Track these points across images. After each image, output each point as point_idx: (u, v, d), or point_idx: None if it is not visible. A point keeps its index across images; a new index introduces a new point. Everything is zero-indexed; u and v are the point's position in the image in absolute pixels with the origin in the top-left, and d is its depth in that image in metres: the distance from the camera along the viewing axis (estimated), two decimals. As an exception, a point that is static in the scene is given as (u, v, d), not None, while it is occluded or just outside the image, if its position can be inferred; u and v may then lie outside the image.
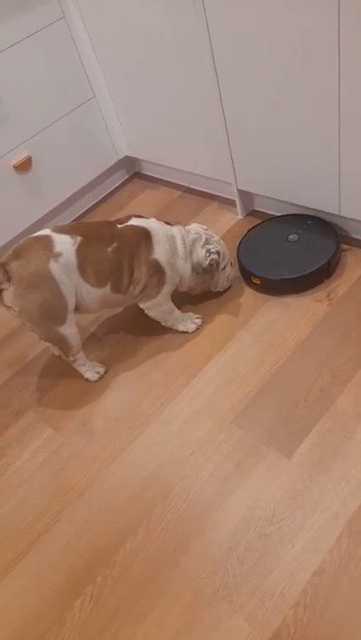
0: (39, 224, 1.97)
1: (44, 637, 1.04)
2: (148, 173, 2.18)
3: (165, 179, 2.10)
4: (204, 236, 1.45)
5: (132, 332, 1.59)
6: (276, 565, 1.03)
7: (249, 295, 1.57)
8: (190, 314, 1.54)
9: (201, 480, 1.19)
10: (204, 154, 1.77)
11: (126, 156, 2.10)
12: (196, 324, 1.52)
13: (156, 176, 2.14)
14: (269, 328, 1.46)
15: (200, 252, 1.43)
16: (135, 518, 1.17)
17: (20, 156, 1.76)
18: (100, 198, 2.15)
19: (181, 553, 1.09)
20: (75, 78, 1.82)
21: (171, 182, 2.08)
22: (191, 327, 1.52)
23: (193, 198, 1.99)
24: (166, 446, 1.28)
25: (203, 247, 1.43)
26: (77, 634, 1.03)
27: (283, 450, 1.19)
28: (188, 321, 1.52)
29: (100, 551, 1.14)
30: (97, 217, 2.06)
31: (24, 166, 1.78)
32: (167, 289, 1.42)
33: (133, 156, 2.08)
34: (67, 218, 2.06)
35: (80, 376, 1.48)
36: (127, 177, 2.21)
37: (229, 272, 1.54)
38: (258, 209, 1.83)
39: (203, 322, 1.53)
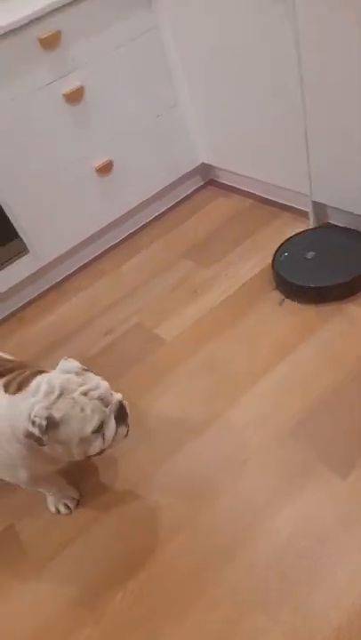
0: (113, 225, 2.04)
1: (84, 625, 1.07)
2: (222, 181, 2.20)
3: (239, 187, 2.11)
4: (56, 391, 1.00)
5: (194, 335, 1.60)
6: (320, 586, 0.99)
7: (312, 308, 1.54)
8: (66, 492, 1.28)
9: (251, 489, 1.18)
10: (281, 164, 1.76)
11: (203, 163, 2.13)
12: (64, 506, 1.27)
13: (230, 184, 2.16)
14: (332, 343, 1.42)
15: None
16: (181, 520, 1.18)
17: (102, 160, 1.84)
18: (173, 203, 2.19)
19: (225, 560, 1.09)
20: (161, 85, 1.88)
21: (244, 191, 2.09)
22: (59, 509, 1.27)
23: (265, 208, 1.98)
24: (218, 452, 1.28)
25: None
26: (116, 626, 1.05)
27: (338, 469, 1.15)
28: (60, 498, 1.27)
29: (144, 548, 1.15)
30: (168, 222, 2.11)
31: (105, 169, 1.86)
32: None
33: (210, 163, 2.11)
34: (139, 221, 2.12)
35: (139, 377, 1.52)
36: (202, 184, 2.24)
37: (113, 433, 1.05)
38: (331, 222, 1.79)
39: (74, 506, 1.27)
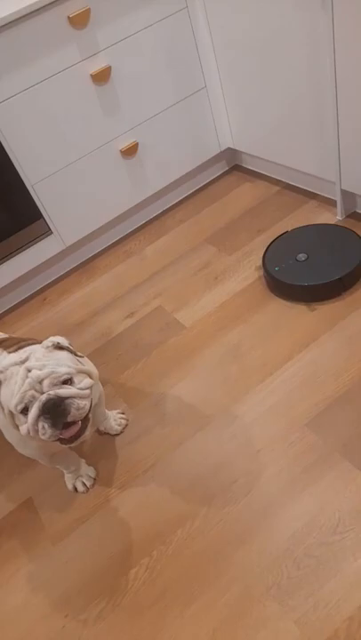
0: (137, 208, 2.04)
1: (98, 597, 1.10)
2: (248, 167, 2.17)
3: (265, 173, 2.08)
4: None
5: (214, 321, 1.60)
6: (333, 576, 1.00)
7: (337, 300, 1.51)
8: (84, 470, 1.31)
9: (266, 478, 1.18)
10: (311, 150, 1.72)
11: (228, 148, 2.10)
12: (82, 484, 1.29)
13: (256, 170, 2.13)
14: (356, 336, 1.40)
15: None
16: (195, 504, 1.19)
17: (127, 142, 1.83)
18: (197, 188, 2.17)
19: (237, 546, 1.10)
20: (189, 68, 1.85)
21: (270, 177, 2.06)
22: (76, 487, 1.30)
23: (291, 195, 1.95)
24: (234, 439, 1.28)
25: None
26: (129, 601, 1.08)
27: (357, 462, 1.15)
28: (76, 480, 1.30)
29: (158, 528, 1.17)
30: (192, 207, 2.09)
31: (130, 151, 1.85)
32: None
33: (236, 148, 2.08)
34: (163, 204, 2.11)
35: (158, 361, 1.53)
36: (227, 169, 2.22)
37: (32, 421, 0.95)
38: (359, 211, 1.75)
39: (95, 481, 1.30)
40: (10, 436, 1.10)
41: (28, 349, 1.00)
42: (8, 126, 1.59)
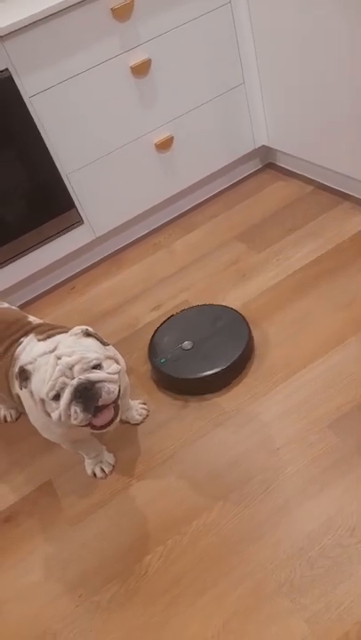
0: (168, 202, 2.05)
1: (112, 581, 1.12)
2: (281, 165, 2.15)
3: (299, 172, 2.06)
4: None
5: (240, 318, 1.60)
6: (347, 578, 0.99)
7: (367, 302, 1.50)
8: (104, 457, 1.32)
9: (284, 476, 1.18)
10: (347, 150, 1.70)
11: (263, 146, 2.09)
12: (101, 470, 1.31)
13: (289, 168, 2.11)
14: (384, 340, 1.39)
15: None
16: (211, 497, 1.20)
17: (162, 135, 1.84)
18: (229, 184, 2.17)
19: (251, 541, 1.10)
20: (228, 63, 1.84)
21: (304, 176, 2.04)
22: (95, 472, 1.31)
23: (325, 195, 1.93)
24: (254, 435, 1.28)
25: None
26: (142, 586, 1.10)
27: (376, 466, 1.14)
28: (95, 466, 1.31)
29: (174, 517, 1.18)
30: (224, 203, 2.09)
31: (165, 145, 1.86)
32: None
33: (271, 146, 2.06)
34: (194, 199, 2.11)
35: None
36: (260, 167, 2.20)
37: (65, 406, 0.97)
38: (393, 215, 1.73)
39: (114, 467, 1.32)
40: (35, 419, 1.12)
41: (56, 339, 1.03)
42: (47, 116, 1.62)
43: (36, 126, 1.62)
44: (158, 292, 1.80)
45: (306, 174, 2.03)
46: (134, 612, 1.06)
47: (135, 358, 1.59)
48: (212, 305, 1.57)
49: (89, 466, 1.32)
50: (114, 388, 0.98)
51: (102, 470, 1.31)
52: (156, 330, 1.55)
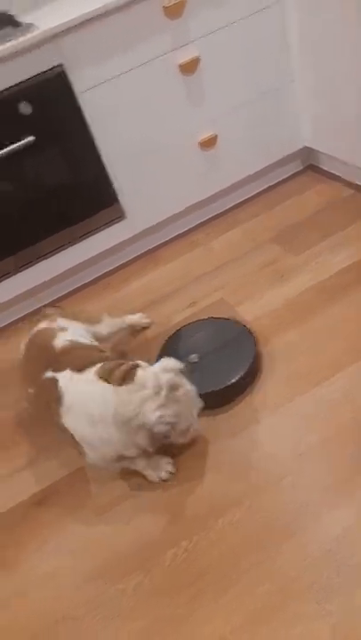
0: (209, 200, 2.06)
1: (136, 571, 1.14)
2: (323, 167, 2.13)
3: (340, 175, 2.04)
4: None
5: (274, 319, 1.59)
6: (376, 586, 0.98)
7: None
8: (162, 459, 1.29)
9: (315, 477, 1.18)
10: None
11: (305, 147, 2.08)
12: (166, 472, 1.28)
13: (330, 171, 2.09)
14: None
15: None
16: (241, 493, 1.20)
17: (207, 134, 1.85)
18: (268, 185, 2.16)
19: (279, 541, 1.10)
20: (275, 63, 1.84)
21: (345, 180, 2.01)
22: (160, 476, 1.28)
23: (365, 200, 1.90)
24: (288, 437, 1.28)
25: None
26: (165, 578, 1.11)
27: None
28: (158, 468, 1.29)
29: (200, 512, 1.19)
30: (263, 203, 2.08)
31: (209, 143, 1.87)
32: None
33: (314, 147, 2.05)
34: (234, 199, 2.11)
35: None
36: (301, 168, 2.19)
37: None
38: None
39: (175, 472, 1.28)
40: (83, 438, 1.19)
41: (157, 380, 1.13)
42: (96, 111, 1.66)
43: (85, 121, 1.66)
44: (194, 290, 1.81)
45: (347, 177, 2.01)
46: (159, 602, 1.08)
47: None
48: (221, 318, 1.58)
49: (151, 475, 1.28)
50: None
51: (167, 472, 1.28)
52: (166, 341, 1.56)
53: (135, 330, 1.69)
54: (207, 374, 1.40)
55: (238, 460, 1.27)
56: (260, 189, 2.15)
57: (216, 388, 1.36)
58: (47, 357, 1.27)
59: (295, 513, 1.13)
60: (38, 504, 1.33)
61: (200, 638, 1.01)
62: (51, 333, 1.33)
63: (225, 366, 1.41)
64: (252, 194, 2.14)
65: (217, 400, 1.37)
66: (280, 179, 2.17)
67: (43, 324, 1.38)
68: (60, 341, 1.29)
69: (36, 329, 1.38)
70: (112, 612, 1.09)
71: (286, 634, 0.97)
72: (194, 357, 1.44)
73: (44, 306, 1.88)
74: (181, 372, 1.18)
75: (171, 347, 1.53)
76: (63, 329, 1.34)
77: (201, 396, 1.24)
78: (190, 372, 1.32)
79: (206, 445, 1.32)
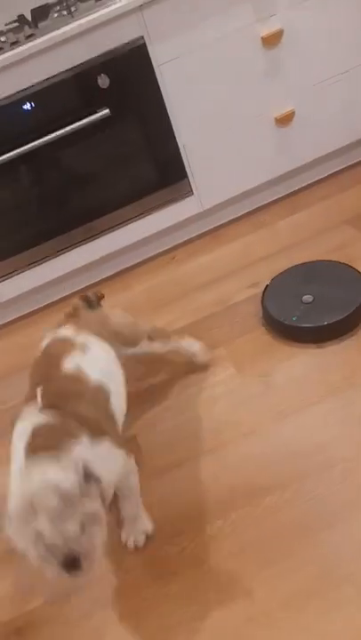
0: (280, 179, 2.01)
1: (183, 535, 1.17)
2: None
3: None
4: None
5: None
6: None
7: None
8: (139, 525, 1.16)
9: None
10: None
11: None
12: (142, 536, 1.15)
13: None
14: None
15: None
16: (289, 476, 1.20)
17: (284, 110, 1.80)
18: (343, 167, 2.07)
19: (324, 527, 1.09)
20: (359, 40, 1.74)
21: None
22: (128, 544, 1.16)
23: None
24: (342, 424, 1.25)
25: None
26: (210, 547, 1.13)
27: None
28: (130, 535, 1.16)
29: (249, 488, 1.20)
30: (338, 184, 2.00)
31: (285, 120, 1.81)
32: None
33: None
34: (306, 179, 2.05)
35: (272, 333, 1.53)
36: (379, 150, 2.08)
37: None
38: None
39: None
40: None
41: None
42: (173, 84, 1.66)
43: (161, 94, 1.66)
44: (257, 270, 1.79)
45: None
46: (201, 570, 1.11)
47: (224, 332, 1.61)
48: (312, 261, 1.62)
49: (123, 532, 1.17)
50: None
51: (135, 544, 1.15)
52: (264, 293, 1.59)
53: (179, 356, 1.47)
54: (329, 307, 1.45)
55: (291, 441, 1.26)
56: (335, 170, 2.08)
57: (342, 315, 1.42)
58: (46, 375, 1.08)
59: (344, 502, 1.11)
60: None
61: (233, 613, 1.03)
62: (66, 347, 1.11)
63: (341, 297, 1.46)
64: (325, 174, 2.07)
65: (346, 327, 1.43)
66: (356, 160, 2.08)
67: (66, 331, 1.17)
68: (70, 364, 1.08)
69: (55, 336, 1.17)
70: (157, 570, 1.14)
71: (323, 619, 0.97)
72: (308, 298, 1.49)
73: (93, 287, 1.88)
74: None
75: (273, 298, 1.57)
76: (83, 347, 1.12)
77: (329, 326, 1.37)
78: (309, 311, 1.46)
79: (259, 420, 1.32)
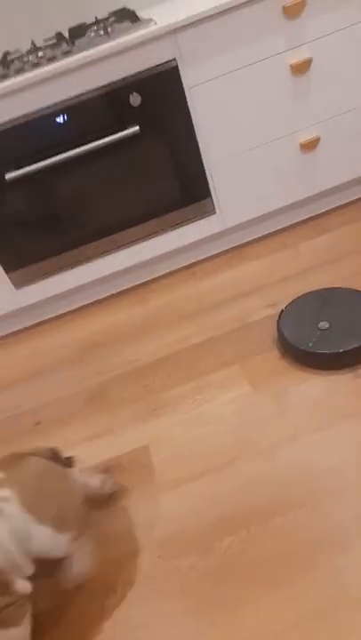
0: (303, 202, 2.03)
1: (193, 551, 1.16)
2: None
3: None
4: None
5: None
6: None
7: None
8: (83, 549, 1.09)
9: (382, 495, 1.14)
10: None
11: None
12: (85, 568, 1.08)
13: None
14: None
15: None
16: (303, 497, 1.19)
17: (309, 136, 1.83)
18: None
19: (337, 550, 1.08)
20: (390, 69, 1.78)
21: None
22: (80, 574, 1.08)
23: None
24: (357, 449, 1.24)
25: None
26: (221, 564, 1.12)
27: None
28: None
29: (260, 506, 1.19)
30: (355, 212, 2.02)
31: (310, 146, 1.85)
32: None
33: None
34: (328, 204, 2.07)
35: (287, 357, 1.53)
36: None
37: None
38: None
39: None
40: None
41: None
42: (202, 107, 1.70)
43: (190, 115, 1.70)
44: (275, 291, 1.80)
45: None
46: (210, 587, 1.10)
47: (241, 351, 1.62)
48: (329, 288, 1.61)
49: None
50: None
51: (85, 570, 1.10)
52: (279, 318, 1.60)
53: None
54: (345, 335, 1.46)
55: (306, 461, 1.25)
56: (356, 197, 2.09)
57: (358, 343, 1.42)
58: None
59: (358, 526, 1.10)
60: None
61: (241, 631, 1.01)
62: None
63: (357, 325, 1.47)
64: (349, 200, 2.09)
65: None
66: (378, 188, 2.10)
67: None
68: None
69: None
70: (164, 586, 1.12)
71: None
72: (324, 325, 1.49)
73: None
74: None
75: (289, 324, 1.57)
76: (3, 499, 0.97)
77: (346, 353, 1.38)
78: (330, 336, 1.46)
79: (273, 439, 1.32)
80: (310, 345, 1.47)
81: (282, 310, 1.61)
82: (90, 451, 1.47)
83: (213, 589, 1.09)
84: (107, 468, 1.40)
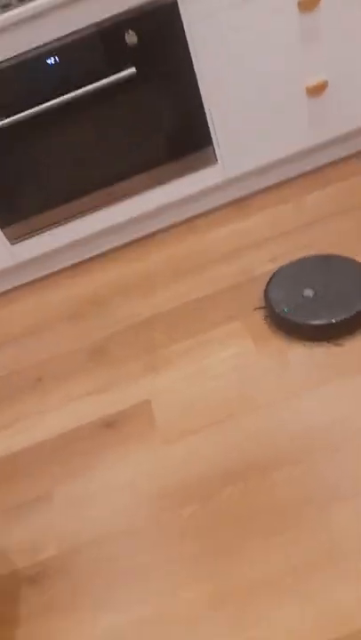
0: (309, 152, 1.95)
1: (192, 500, 1.19)
2: None
3: None
4: None
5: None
6: None
7: None
8: None
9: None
10: None
11: None
12: None
13: None
14: None
15: None
16: (301, 452, 1.20)
17: (316, 80, 1.73)
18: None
19: (335, 500, 1.10)
20: None
21: None
22: None
23: None
24: (355, 406, 1.25)
25: None
26: (220, 512, 1.15)
27: None
28: None
29: (258, 461, 1.21)
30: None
31: (317, 90, 1.75)
32: None
33: None
34: (334, 154, 1.99)
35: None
36: None
37: None
38: None
39: None
40: None
41: None
42: (201, 46, 1.60)
43: (189, 56, 1.60)
44: (279, 244, 1.76)
45: None
46: (209, 534, 1.13)
47: (243, 304, 1.60)
48: (321, 255, 1.55)
49: None
50: None
51: None
52: (270, 280, 1.54)
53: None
54: (330, 305, 1.40)
55: (308, 416, 1.26)
56: (365, 146, 2.01)
57: (348, 315, 1.36)
58: None
59: (354, 480, 1.12)
60: (108, 426, 1.41)
61: (240, 576, 1.05)
62: None
63: (344, 296, 1.40)
64: (356, 150, 2.01)
65: (348, 328, 1.38)
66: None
67: None
68: None
69: None
70: (167, 531, 1.16)
71: (331, 589, 0.98)
72: (309, 292, 1.44)
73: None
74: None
75: (277, 286, 1.53)
76: None
77: (332, 325, 1.32)
78: (309, 306, 1.40)
79: (276, 395, 1.32)
80: (285, 310, 1.43)
81: (273, 273, 1.57)
82: (92, 406, 1.48)
83: (213, 536, 1.12)
84: (109, 423, 1.42)
